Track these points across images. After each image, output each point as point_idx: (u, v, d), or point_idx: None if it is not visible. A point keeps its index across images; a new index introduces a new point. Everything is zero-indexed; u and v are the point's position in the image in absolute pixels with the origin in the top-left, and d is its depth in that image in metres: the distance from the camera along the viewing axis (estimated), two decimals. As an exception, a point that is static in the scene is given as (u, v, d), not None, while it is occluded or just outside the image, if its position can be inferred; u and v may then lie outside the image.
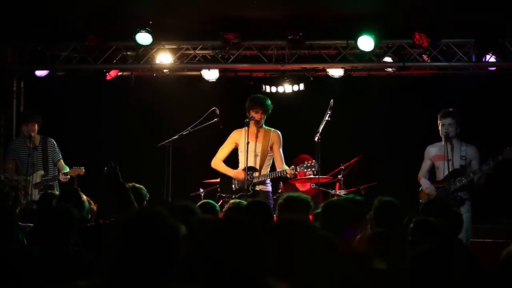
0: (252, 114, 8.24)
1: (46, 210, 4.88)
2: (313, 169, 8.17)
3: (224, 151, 8.52)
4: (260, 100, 8.30)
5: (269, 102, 8.34)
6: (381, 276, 3.53)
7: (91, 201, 5.99)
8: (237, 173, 8.33)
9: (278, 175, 8.32)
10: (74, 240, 4.47)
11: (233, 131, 8.58)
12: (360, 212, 4.52)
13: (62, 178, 8.70)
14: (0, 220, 4.52)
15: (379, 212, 4.96)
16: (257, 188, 8.27)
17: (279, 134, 8.42)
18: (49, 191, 7.73)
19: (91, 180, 8.37)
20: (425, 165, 8.30)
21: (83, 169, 8.66)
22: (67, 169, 8.74)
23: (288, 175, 8.31)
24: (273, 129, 8.45)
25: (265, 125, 8.43)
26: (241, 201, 6.04)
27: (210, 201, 5.78)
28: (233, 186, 8.35)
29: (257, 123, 8.26)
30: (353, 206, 4.34)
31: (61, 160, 8.91)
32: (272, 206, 7.14)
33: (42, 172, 8.84)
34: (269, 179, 8.37)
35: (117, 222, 2.64)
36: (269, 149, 8.36)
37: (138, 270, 2.44)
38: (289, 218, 2.95)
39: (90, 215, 5.63)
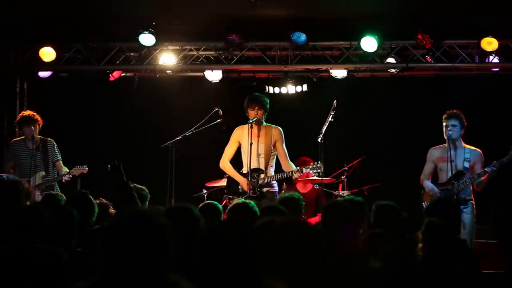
0: (250, 112, 8.21)
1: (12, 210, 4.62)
2: (318, 170, 8.13)
3: (229, 150, 8.49)
4: (255, 97, 8.28)
5: (265, 98, 8.31)
6: (378, 276, 3.52)
7: (109, 205, 5.91)
8: (244, 183, 8.26)
9: (284, 176, 8.29)
10: (75, 242, 4.45)
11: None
12: (360, 213, 4.51)
13: (65, 178, 8.61)
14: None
15: (378, 216, 4.96)
16: (264, 190, 8.25)
17: (280, 131, 8.36)
18: (51, 193, 7.72)
19: (94, 181, 8.35)
20: (428, 168, 8.27)
21: (86, 168, 8.57)
22: (66, 170, 8.66)
23: (294, 176, 8.28)
24: (274, 125, 8.39)
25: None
26: (247, 201, 5.91)
27: (213, 202, 5.75)
28: (240, 188, 8.32)
29: (257, 121, 8.21)
30: (353, 207, 4.34)
31: (60, 161, 8.78)
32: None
33: (43, 173, 8.73)
34: (275, 180, 8.35)
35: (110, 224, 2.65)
36: (272, 148, 8.33)
37: (130, 270, 2.44)
38: (287, 218, 2.95)
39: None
